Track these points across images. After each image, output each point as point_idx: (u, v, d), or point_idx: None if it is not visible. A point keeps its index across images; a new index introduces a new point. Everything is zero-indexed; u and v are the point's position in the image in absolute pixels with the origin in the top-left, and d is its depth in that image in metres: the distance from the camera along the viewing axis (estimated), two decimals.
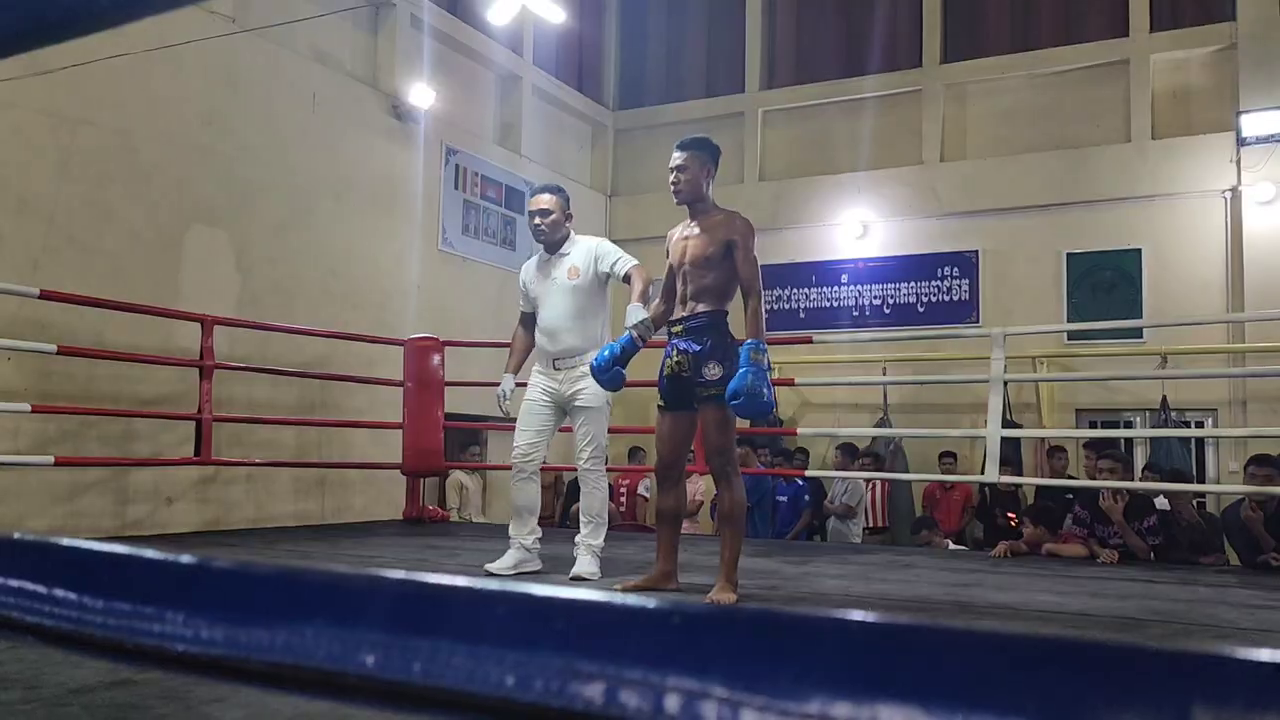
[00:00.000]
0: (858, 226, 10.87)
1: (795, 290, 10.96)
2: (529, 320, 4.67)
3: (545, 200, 4.53)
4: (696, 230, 3.87)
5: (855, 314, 10.68)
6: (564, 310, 4.45)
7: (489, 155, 10.07)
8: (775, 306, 10.96)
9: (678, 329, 3.86)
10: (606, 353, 3.95)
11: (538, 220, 4.49)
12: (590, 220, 10.39)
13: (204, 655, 0.52)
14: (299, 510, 7.91)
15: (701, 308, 3.80)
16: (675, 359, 3.85)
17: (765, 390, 3.54)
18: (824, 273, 10.92)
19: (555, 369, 4.49)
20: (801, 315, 10.88)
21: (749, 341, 3.59)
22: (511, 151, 10.43)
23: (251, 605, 0.52)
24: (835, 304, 10.76)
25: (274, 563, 0.55)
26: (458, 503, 8.62)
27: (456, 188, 9.54)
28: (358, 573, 0.52)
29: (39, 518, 6.17)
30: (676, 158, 3.87)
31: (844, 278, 10.81)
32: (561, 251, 4.53)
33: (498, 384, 4.55)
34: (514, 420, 4.59)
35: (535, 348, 4.60)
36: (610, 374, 3.94)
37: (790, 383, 8.21)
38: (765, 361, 3.59)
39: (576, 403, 4.45)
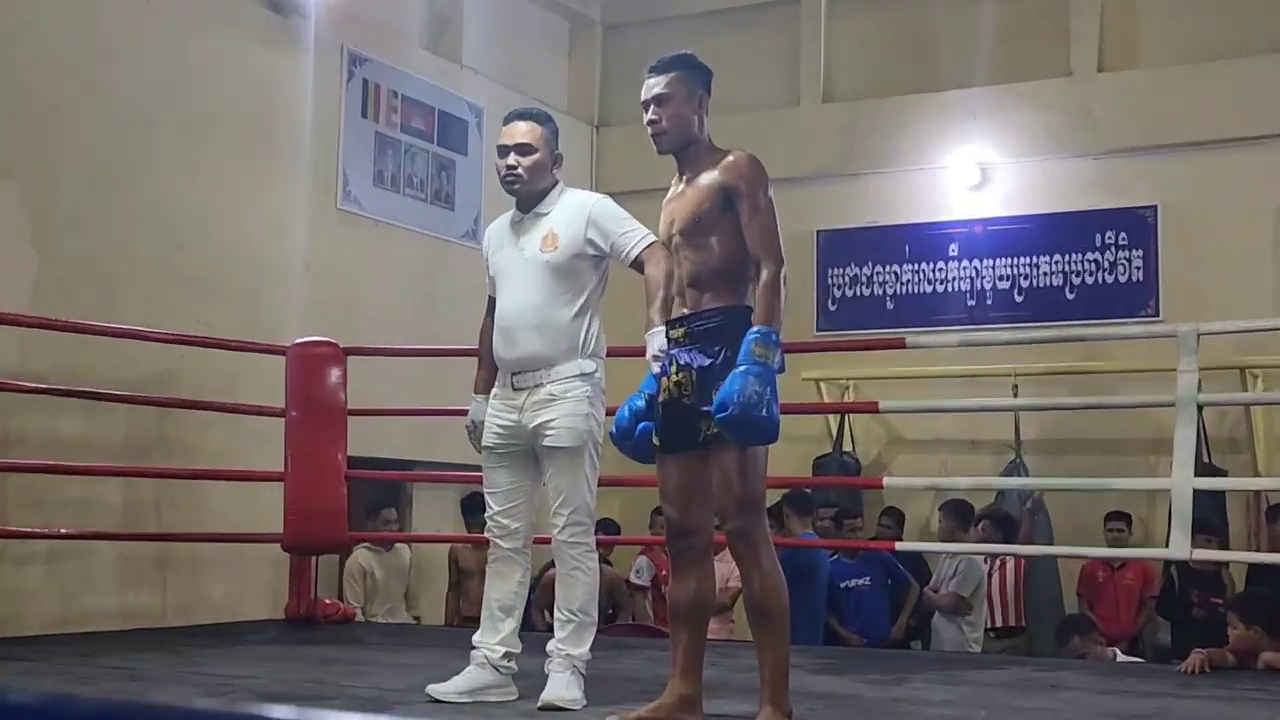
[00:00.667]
0: (973, 171, 11.00)
1: (878, 268, 11.16)
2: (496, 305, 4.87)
3: (525, 131, 4.70)
4: (686, 182, 4.15)
5: (971, 303, 10.86)
6: (529, 298, 4.61)
7: (414, 66, 10.29)
8: (847, 291, 11.27)
9: (678, 333, 4.09)
10: (627, 410, 4.16)
11: (514, 161, 4.66)
12: (568, 164, 9.89)
13: None
14: (128, 606, 7.98)
15: (710, 301, 4.03)
16: (674, 378, 4.07)
17: (768, 402, 3.74)
18: (922, 241, 11.09)
19: (514, 389, 4.67)
20: (889, 305, 11.10)
21: (754, 330, 3.82)
22: (448, 61, 10.64)
23: None
24: (940, 288, 10.95)
25: (90, 694, 0.52)
26: (361, 598, 8.85)
27: (365, 115, 9.73)
28: (218, 711, 0.50)
29: None
30: (652, 86, 4.14)
31: (952, 249, 10.99)
32: (539, 210, 4.72)
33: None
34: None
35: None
36: (635, 442, 4.18)
37: (872, 408, 8.45)
38: (775, 360, 3.81)
39: (545, 442, 4.61)
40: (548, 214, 4.67)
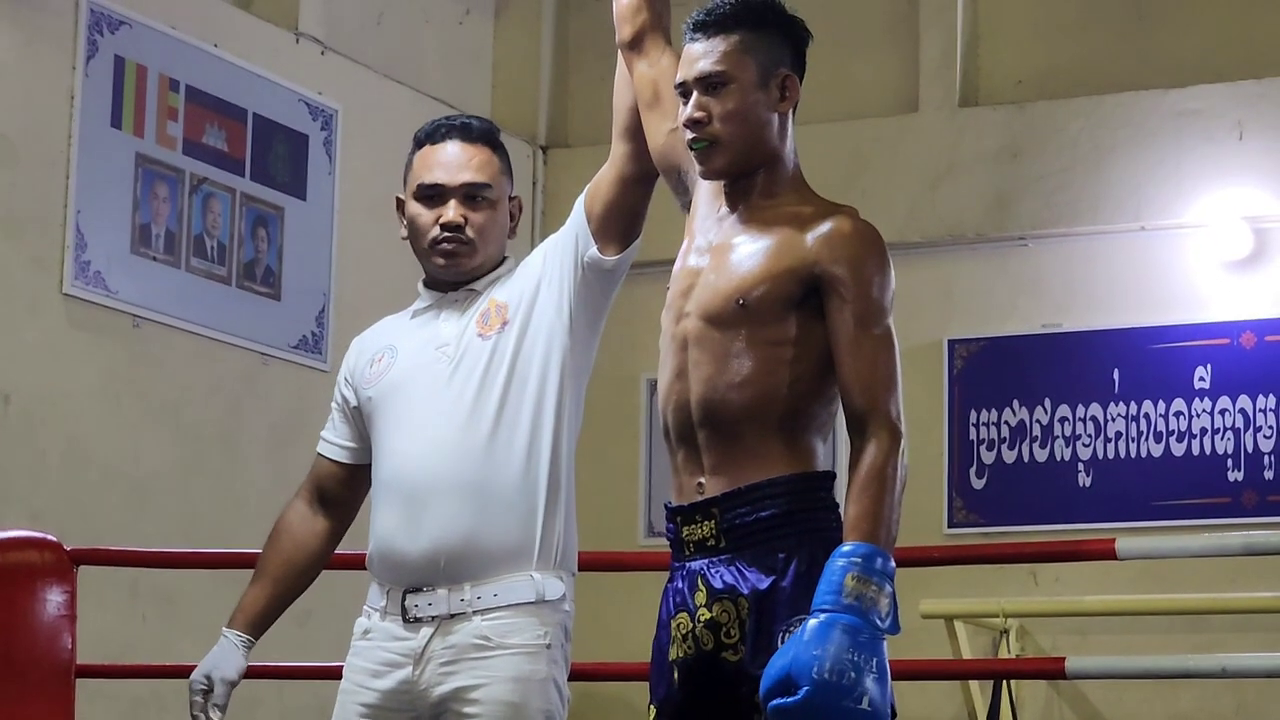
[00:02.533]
0: (1241, 234, 9.00)
1: (1064, 411, 9.31)
2: (334, 481, 4.12)
3: (476, 160, 4.04)
4: (739, 230, 3.44)
5: (1235, 476, 9.00)
6: (454, 426, 3.88)
7: (211, 34, 8.61)
8: (1004, 454, 9.44)
9: (701, 531, 3.38)
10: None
11: (457, 217, 3.98)
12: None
13: None
14: None
15: (758, 467, 3.36)
16: (701, 616, 3.36)
17: (868, 686, 3.06)
18: (1144, 363, 9.28)
19: (406, 620, 3.85)
20: (1083, 479, 9.15)
21: (848, 548, 3.12)
22: (274, 26, 8.97)
23: None
24: (1179, 449, 9.10)
25: None
26: None
27: (118, 124, 8.12)
28: None
29: None
30: (697, 55, 3.40)
31: (1202, 377, 9.11)
32: (472, 286, 4.05)
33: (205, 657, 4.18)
34: None
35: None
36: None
37: (1054, 669, 7.01)
38: (885, 609, 3.10)
39: (468, 709, 3.84)
40: (484, 291, 3.99)
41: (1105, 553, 6.55)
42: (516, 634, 3.85)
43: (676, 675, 3.46)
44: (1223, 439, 8.88)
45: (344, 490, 4.15)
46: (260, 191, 8.60)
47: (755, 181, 3.45)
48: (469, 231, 4.01)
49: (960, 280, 9.61)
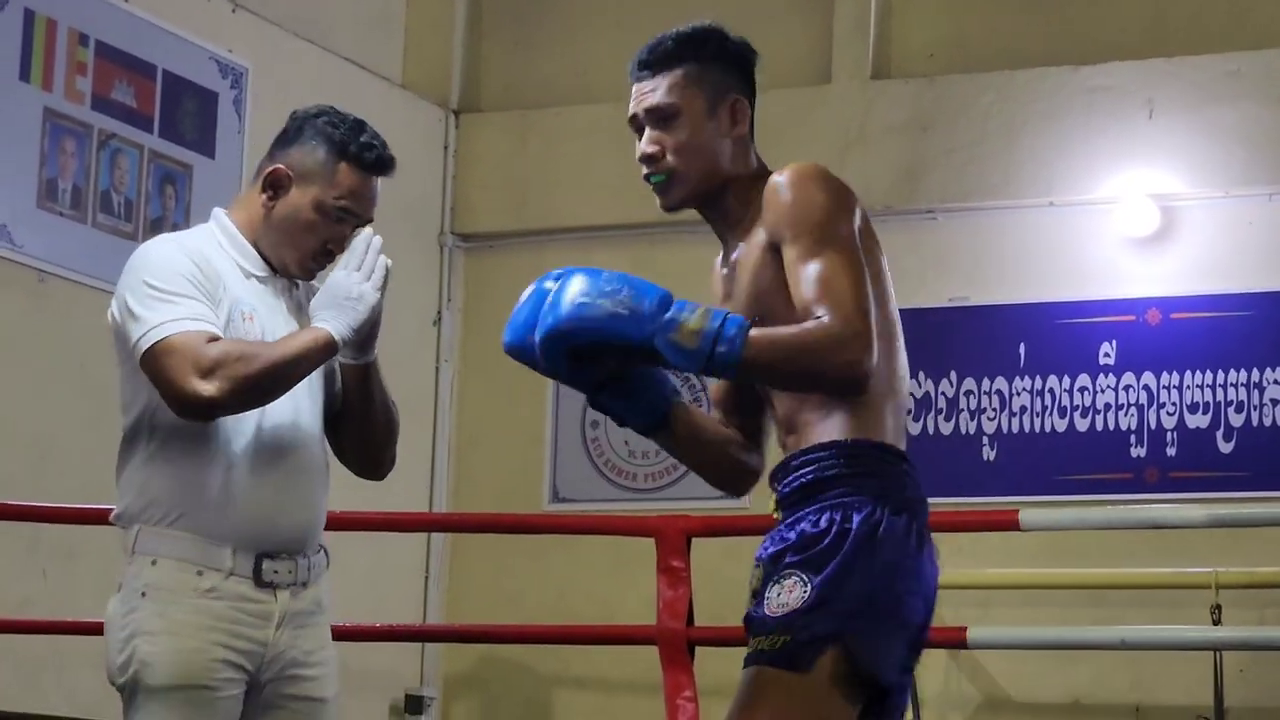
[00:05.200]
0: (1147, 211, 9.07)
1: (970, 385, 9.42)
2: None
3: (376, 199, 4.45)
4: (732, 257, 3.60)
5: (1138, 452, 9.11)
6: (316, 408, 4.08)
7: None
8: (914, 426, 9.48)
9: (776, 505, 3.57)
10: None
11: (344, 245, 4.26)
12: (404, 179, 8.12)
13: None
14: None
15: (800, 442, 3.47)
16: (752, 584, 3.56)
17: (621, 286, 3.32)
18: (1051, 338, 9.39)
19: (259, 584, 3.99)
20: (987, 452, 9.32)
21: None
22: None
23: None
24: (1083, 423, 9.24)
25: None
26: None
27: (26, 77, 8.22)
28: None
29: None
30: (644, 92, 3.52)
31: (1106, 352, 9.19)
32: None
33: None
34: None
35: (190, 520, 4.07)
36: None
37: (955, 638, 7.30)
38: (688, 333, 3.21)
39: (304, 690, 4.02)
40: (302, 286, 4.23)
41: (1009, 524, 7.14)
42: (327, 598, 4.12)
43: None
44: (1126, 415, 8.97)
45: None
46: (168, 149, 8.62)
47: (727, 207, 3.54)
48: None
49: (895, 250, 9.38)
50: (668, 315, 3.20)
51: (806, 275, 3.29)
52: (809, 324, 3.22)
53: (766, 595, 3.37)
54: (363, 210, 4.10)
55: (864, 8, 9.76)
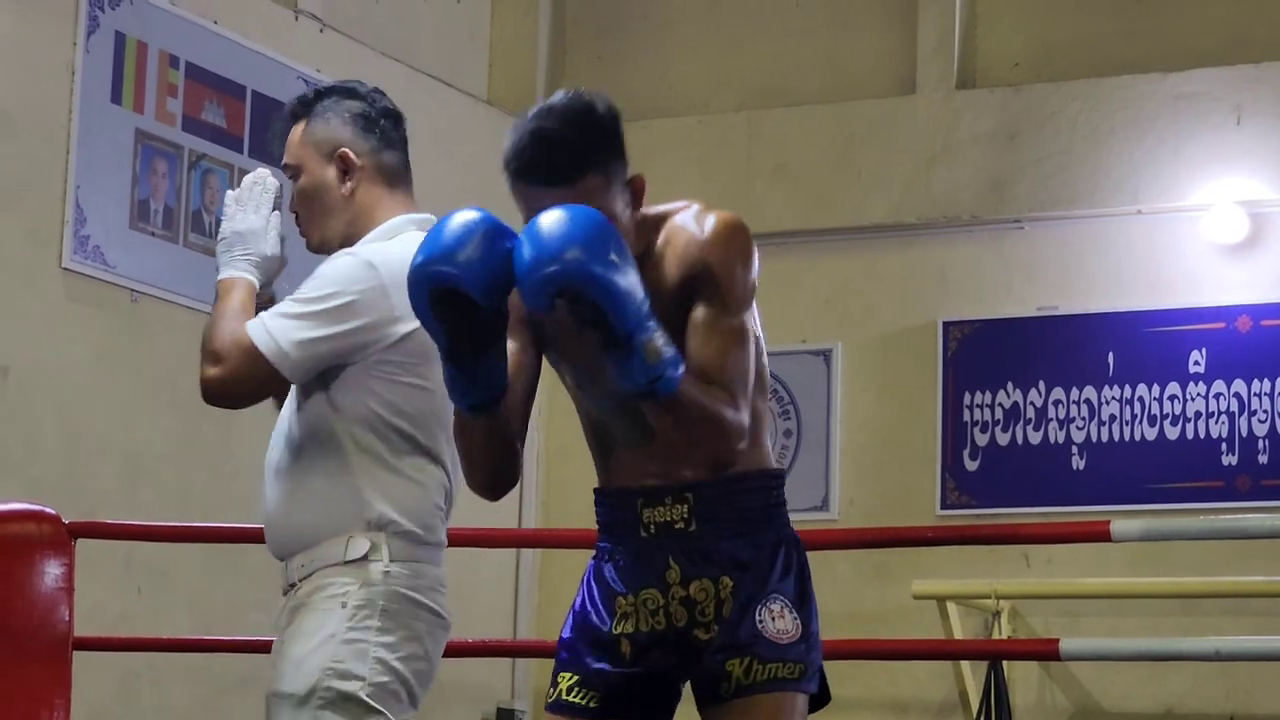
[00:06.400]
0: (1237, 220, 9.03)
1: (1058, 394, 9.37)
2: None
3: None
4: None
5: (1229, 461, 9.08)
6: (288, 413, 4.10)
7: (211, 12, 8.71)
8: (998, 436, 9.56)
9: (676, 511, 3.54)
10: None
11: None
12: (481, 188, 8.14)
13: None
14: None
15: (732, 459, 3.56)
16: (676, 593, 3.51)
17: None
18: (1139, 347, 9.30)
19: (287, 587, 4.14)
20: (1076, 462, 9.24)
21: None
22: (271, 3, 9.13)
23: None
24: (1173, 433, 9.18)
25: None
26: None
27: (118, 100, 8.28)
28: None
29: None
30: (557, 196, 3.43)
31: (1197, 361, 9.18)
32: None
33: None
34: None
35: None
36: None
37: (1048, 651, 7.54)
38: (651, 357, 3.31)
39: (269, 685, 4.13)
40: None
41: (1100, 534, 6.92)
42: (315, 598, 4.01)
43: (630, 648, 3.55)
44: (1217, 423, 8.95)
45: None
46: (261, 168, 8.49)
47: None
48: None
49: (955, 262, 9.69)
50: (650, 322, 3.25)
51: (712, 344, 3.43)
52: (718, 399, 3.35)
53: (759, 618, 3.44)
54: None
55: (949, 18, 9.77)
